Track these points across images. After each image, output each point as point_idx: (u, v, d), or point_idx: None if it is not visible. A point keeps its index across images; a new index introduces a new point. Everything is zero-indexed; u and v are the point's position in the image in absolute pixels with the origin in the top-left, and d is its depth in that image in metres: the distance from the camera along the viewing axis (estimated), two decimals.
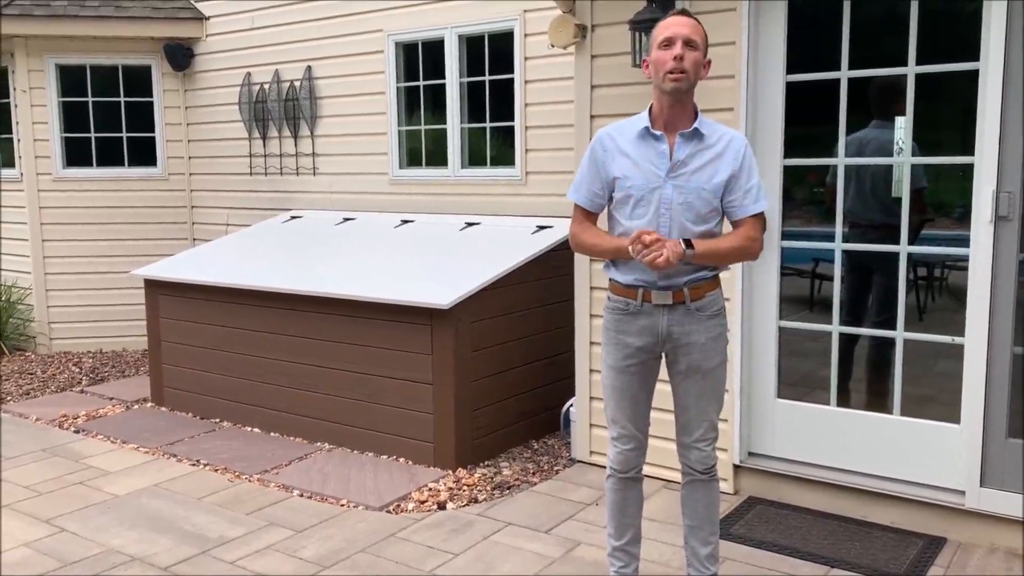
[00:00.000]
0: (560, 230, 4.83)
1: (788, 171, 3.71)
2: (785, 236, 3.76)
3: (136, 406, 5.51)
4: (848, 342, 3.72)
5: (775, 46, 3.63)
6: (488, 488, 4.05)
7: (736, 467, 3.84)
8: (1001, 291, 3.23)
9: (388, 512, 3.81)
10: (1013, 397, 3.25)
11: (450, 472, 4.23)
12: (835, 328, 3.69)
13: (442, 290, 4.22)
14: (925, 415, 3.51)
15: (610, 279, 2.74)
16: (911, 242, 3.53)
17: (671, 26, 2.56)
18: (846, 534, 3.41)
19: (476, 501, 3.90)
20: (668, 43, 2.53)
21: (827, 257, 3.72)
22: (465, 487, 4.06)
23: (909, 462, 3.50)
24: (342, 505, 3.89)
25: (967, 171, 3.31)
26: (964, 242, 3.34)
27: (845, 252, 3.68)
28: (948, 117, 3.40)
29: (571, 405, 4.41)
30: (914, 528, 3.43)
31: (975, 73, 3.22)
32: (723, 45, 3.68)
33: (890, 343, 3.57)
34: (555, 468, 4.27)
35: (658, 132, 2.61)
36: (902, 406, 3.54)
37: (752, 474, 3.83)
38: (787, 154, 3.69)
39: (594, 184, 2.71)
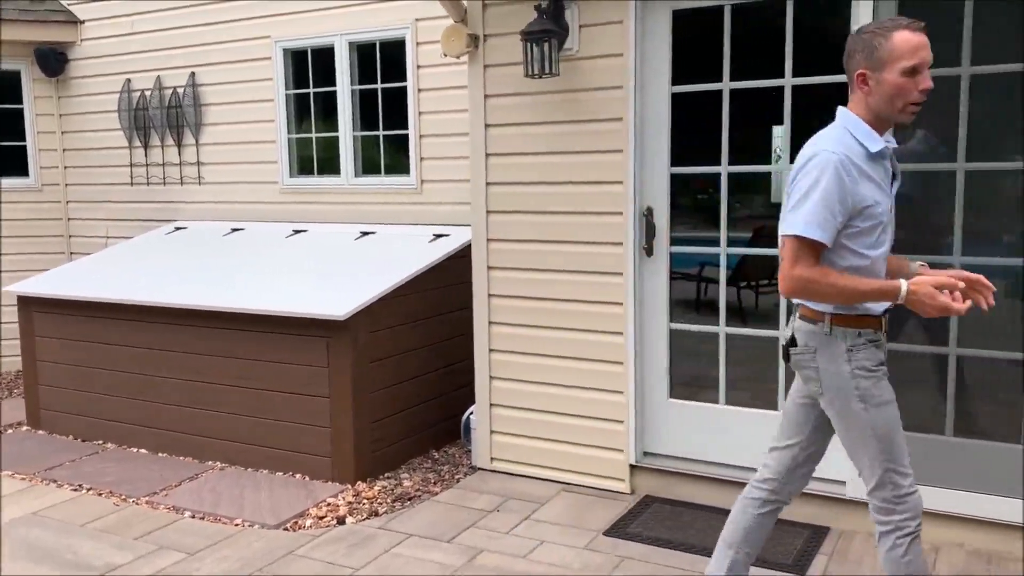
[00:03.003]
0: (458, 237, 4.85)
1: (679, 178, 3.84)
2: (676, 242, 3.88)
3: (10, 430, 5.19)
4: (744, 344, 3.88)
5: (660, 58, 3.75)
6: (389, 500, 4.01)
7: (632, 467, 3.93)
8: None
9: (285, 530, 3.72)
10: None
11: (349, 486, 4.16)
12: (722, 329, 3.83)
13: (338, 301, 4.16)
14: None
15: (847, 314, 2.37)
16: None
17: (919, 50, 2.25)
18: None
19: (376, 514, 3.86)
20: (915, 71, 2.26)
21: (713, 262, 3.87)
22: (365, 500, 4.01)
23: None
24: (236, 525, 3.78)
25: None
26: None
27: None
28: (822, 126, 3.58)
29: (471, 413, 4.42)
30: (801, 519, 3.60)
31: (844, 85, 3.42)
32: (612, 57, 3.79)
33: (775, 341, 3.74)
34: (456, 477, 4.27)
35: (887, 152, 2.37)
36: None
37: (647, 473, 3.93)
38: (676, 163, 3.81)
39: (835, 216, 2.27)
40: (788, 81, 3.55)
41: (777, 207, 3.71)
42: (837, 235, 2.31)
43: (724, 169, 3.74)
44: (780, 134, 3.69)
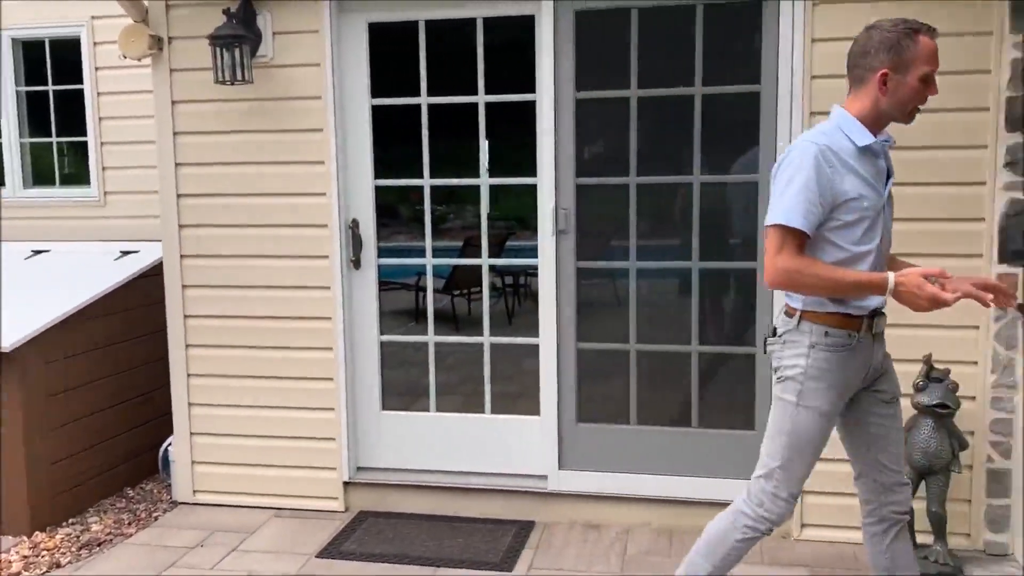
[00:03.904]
0: (150, 253, 4.47)
1: (395, 190, 3.84)
2: (388, 253, 3.89)
3: None
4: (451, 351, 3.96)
5: (359, 70, 3.74)
6: (74, 549, 3.59)
7: (346, 484, 3.86)
8: (564, 295, 3.67)
9: None
10: (580, 387, 3.71)
11: (25, 538, 3.67)
12: (431, 339, 3.89)
13: (1, 330, 3.66)
14: (513, 411, 3.86)
15: (819, 312, 2.33)
16: (497, 255, 3.87)
17: (935, 57, 2.27)
18: (451, 532, 3.61)
19: (59, 566, 3.44)
20: (928, 78, 2.26)
21: (427, 272, 3.94)
22: (44, 552, 3.56)
23: (502, 455, 3.82)
24: None
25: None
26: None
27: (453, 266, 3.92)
28: (523, 141, 3.75)
29: (170, 444, 4.09)
30: (510, 516, 3.74)
31: (533, 103, 3.63)
32: (309, 66, 3.71)
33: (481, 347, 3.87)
34: (155, 515, 3.93)
35: (878, 148, 2.34)
36: (492, 405, 3.85)
37: (362, 488, 3.88)
38: (381, 174, 3.81)
39: (815, 206, 2.24)
40: (481, 99, 3.69)
41: (489, 218, 3.88)
42: (820, 228, 2.28)
43: (427, 182, 3.81)
44: (484, 149, 3.83)
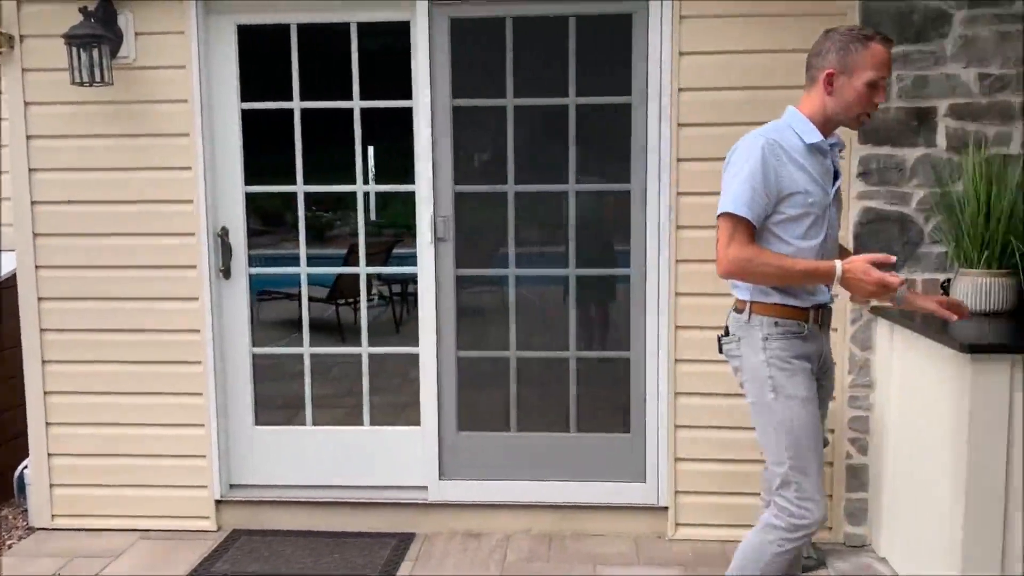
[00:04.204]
0: (2, 264, 4.19)
1: (278, 197, 3.74)
2: (265, 261, 3.77)
3: None
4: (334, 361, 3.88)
5: (228, 73, 3.62)
6: None
7: (217, 502, 3.72)
8: (444, 303, 3.65)
9: None
10: (461, 395, 3.69)
11: None
12: (306, 350, 3.79)
13: None
14: (397, 421, 3.81)
15: (767, 303, 2.38)
16: (384, 263, 3.81)
17: (886, 65, 2.33)
18: (328, 548, 3.53)
19: None
20: (876, 85, 2.32)
21: (313, 280, 3.85)
22: None
23: (382, 468, 3.75)
24: None
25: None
26: None
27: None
28: (408, 148, 3.69)
29: (25, 467, 3.84)
30: (389, 529, 3.68)
31: (411, 110, 3.60)
32: (174, 68, 3.56)
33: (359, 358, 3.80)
34: (8, 543, 3.67)
35: (826, 147, 2.39)
36: (372, 417, 3.79)
37: (235, 506, 3.74)
38: (257, 181, 3.70)
39: (760, 196, 2.30)
40: (356, 104, 3.63)
41: (373, 225, 3.82)
42: (766, 220, 2.33)
43: (300, 188, 3.71)
44: (372, 155, 3.77)
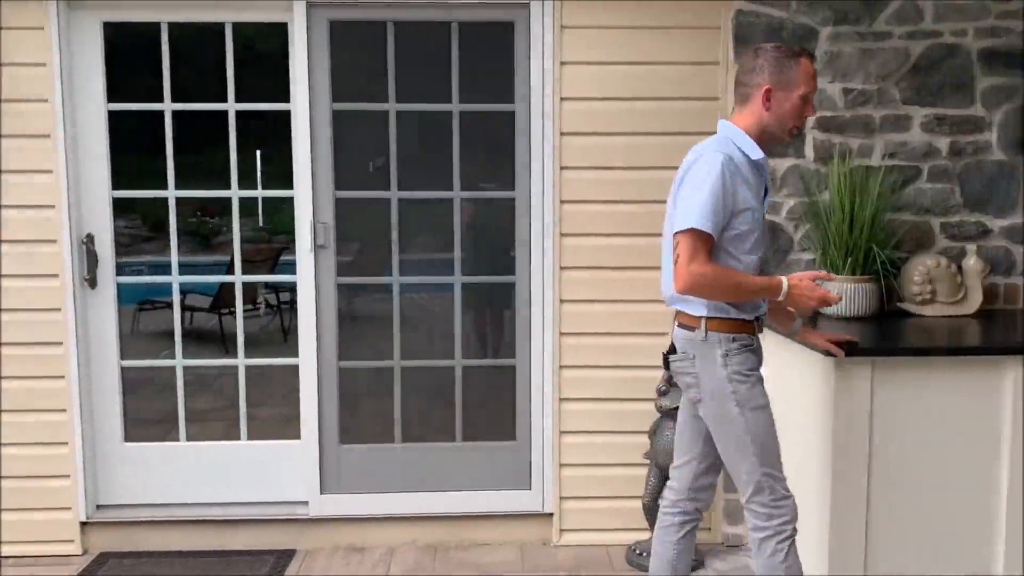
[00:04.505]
0: None
1: (160, 203, 3.56)
2: (139, 269, 3.60)
3: None
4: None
5: (93, 72, 3.44)
6: None
7: (83, 524, 3.51)
8: (324, 312, 3.56)
9: None
10: (342, 407, 3.61)
11: None
12: (179, 363, 3.63)
13: None
14: (277, 435, 3.69)
15: (724, 319, 2.39)
16: (271, 270, 3.69)
17: (814, 78, 2.42)
18: (204, 568, 3.37)
19: None
20: (808, 98, 2.40)
21: (197, 289, 3.68)
22: None
23: (261, 484, 3.63)
24: None
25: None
26: None
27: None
28: (281, 151, 3.60)
29: None
30: (269, 546, 3.56)
31: (289, 113, 3.50)
32: (35, 66, 3.36)
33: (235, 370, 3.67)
34: None
35: (764, 163, 2.44)
36: (251, 431, 3.66)
37: (103, 528, 3.54)
38: (139, 185, 3.55)
39: (720, 214, 2.31)
40: (231, 107, 3.51)
41: (262, 231, 3.70)
42: (720, 234, 2.34)
43: (172, 193, 3.56)
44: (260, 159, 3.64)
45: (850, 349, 2.65)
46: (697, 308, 2.41)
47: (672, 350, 2.50)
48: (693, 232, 2.29)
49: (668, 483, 2.68)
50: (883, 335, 3.04)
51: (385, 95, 3.51)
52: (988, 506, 2.79)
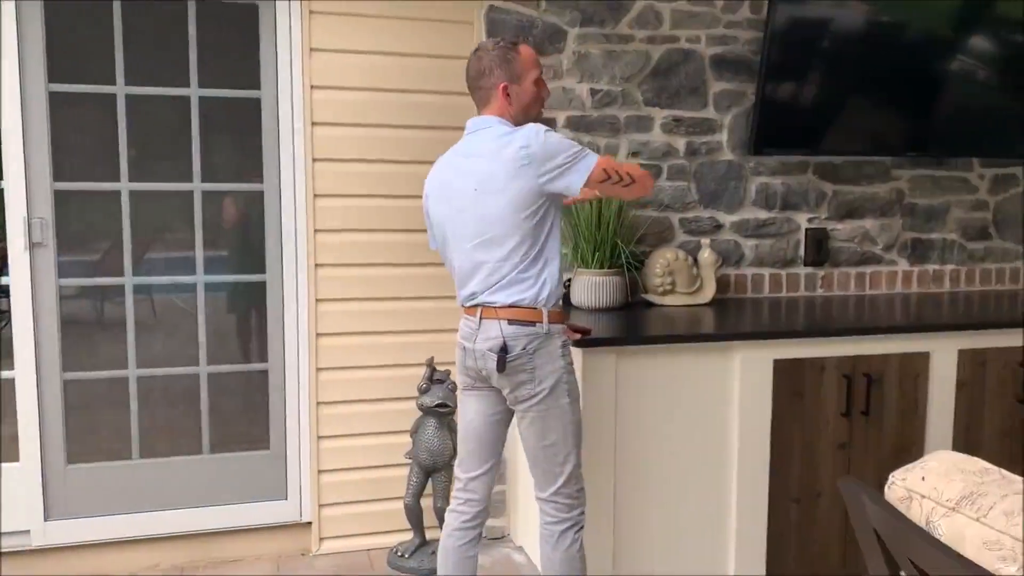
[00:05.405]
0: None
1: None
2: None
3: None
4: None
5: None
6: None
7: None
8: (44, 318, 3.17)
9: None
10: (68, 423, 3.24)
11: None
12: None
13: None
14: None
15: (556, 311, 2.41)
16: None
17: (537, 60, 2.50)
18: None
19: None
20: (539, 81, 2.49)
21: None
22: None
23: None
24: None
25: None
26: None
27: None
28: None
29: None
30: None
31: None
32: None
33: None
34: None
35: None
36: None
37: None
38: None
39: None
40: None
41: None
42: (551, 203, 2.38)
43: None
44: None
45: (584, 338, 2.75)
46: (533, 299, 2.34)
47: (504, 349, 2.34)
48: (602, 159, 2.37)
49: (465, 496, 2.56)
50: (627, 325, 3.18)
51: (112, 77, 3.17)
52: (720, 484, 2.99)
